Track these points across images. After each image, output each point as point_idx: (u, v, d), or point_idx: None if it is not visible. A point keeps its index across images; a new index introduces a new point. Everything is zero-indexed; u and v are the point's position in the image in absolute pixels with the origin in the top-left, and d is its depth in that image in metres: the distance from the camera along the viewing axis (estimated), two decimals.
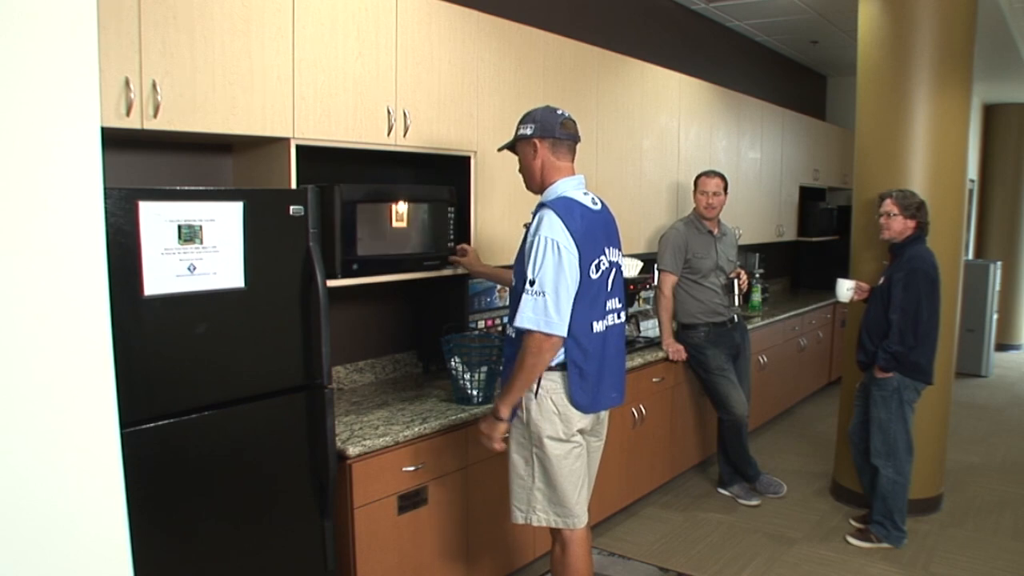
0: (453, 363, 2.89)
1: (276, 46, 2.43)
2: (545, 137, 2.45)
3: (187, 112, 2.22)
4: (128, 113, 2.08)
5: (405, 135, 2.87)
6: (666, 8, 5.31)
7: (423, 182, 3.30)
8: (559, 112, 2.48)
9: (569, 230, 2.32)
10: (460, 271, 3.10)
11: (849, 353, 4.20)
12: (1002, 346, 8.64)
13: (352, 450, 2.42)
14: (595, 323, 2.41)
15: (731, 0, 5.38)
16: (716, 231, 4.16)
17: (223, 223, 2.04)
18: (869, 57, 4.11)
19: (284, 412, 2.23)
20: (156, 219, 1.91)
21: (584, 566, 2.52)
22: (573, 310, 2.34)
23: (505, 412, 2.42)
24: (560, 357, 2.40)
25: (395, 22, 2.82)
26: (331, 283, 2.48)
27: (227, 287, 2.07)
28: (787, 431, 5.58)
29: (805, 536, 3.80)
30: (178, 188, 2.03)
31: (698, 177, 4.15)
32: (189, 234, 1.97)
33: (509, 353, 2.45)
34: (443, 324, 3.20)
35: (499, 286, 3.58)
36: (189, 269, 1.98)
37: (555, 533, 2.54)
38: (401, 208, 2.84)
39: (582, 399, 2.41)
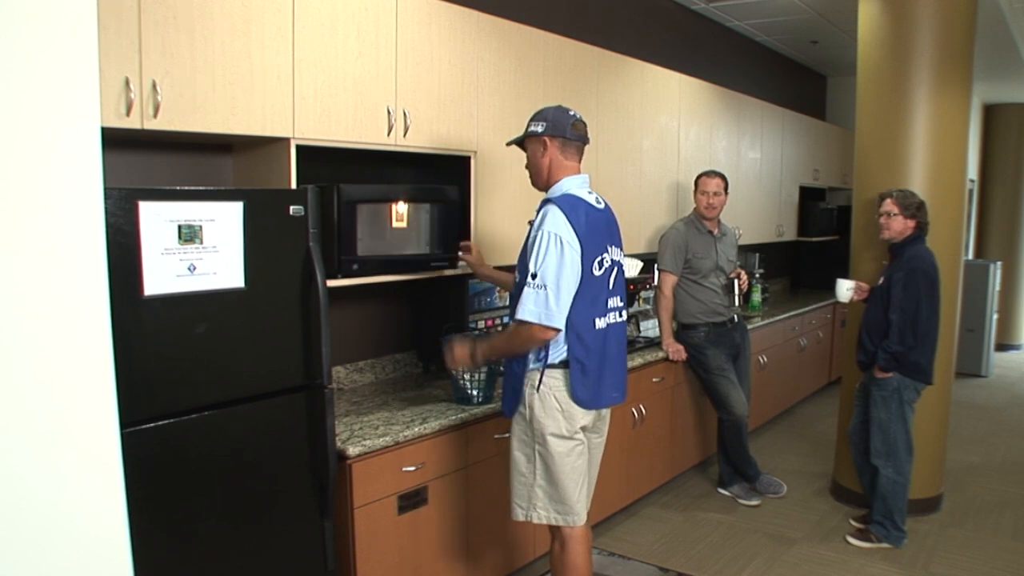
0: None
1: (276, 46, 2.43)
2: (556, 136, 2.48)
3: (187, 112, 2.22)
4: (128, 113, 2.08)
5: (405, 135, 2.87)
6: (666, 8, 5.31)
7: (423, 182, 3.30)
8: (571, 113, 2.52)
9: (573, 226, 2.35)
10: (462, 268, 3.10)
11: (849, 353, 4.20)
12: (1002, 346, 8.64)
13: (352, 450, 2.42)
14: (597, 319, 2.45)
15: (731, 0, 5.38)
16: (716, 231, 4.16)
17: (223, 223, 2.04)
18: (869, 57, 4.11)
19: (284, 412, 2.23)
20: (156, 219, 1.91)
21: (584, 563, 2.53)
22: (576, 306, 2.38)
23: (479, 360, 2.57)
24: (563, 355, 2.42)
25: (395, 22, 2.82)
26: (331, 283, 2.48)
27: (227, 287, 2.07)
28: (787, 431, 5.58)
29: (805, 536, 3.80)
30: (178, 188, 2.03)
31: (699, 177, 4.15)
32: (189, 234, 1.97)
33: None
34: (443, 324, 3.20)
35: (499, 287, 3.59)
36: (189, 269, 1.98)
37: (554, 531, 2.54)
38: (403, 208, 2.84)
39: (583, 395, 2.42)
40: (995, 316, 7.73)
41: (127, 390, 1.58)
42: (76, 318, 1.30)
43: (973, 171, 8.83)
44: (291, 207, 2.19)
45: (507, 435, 2.60)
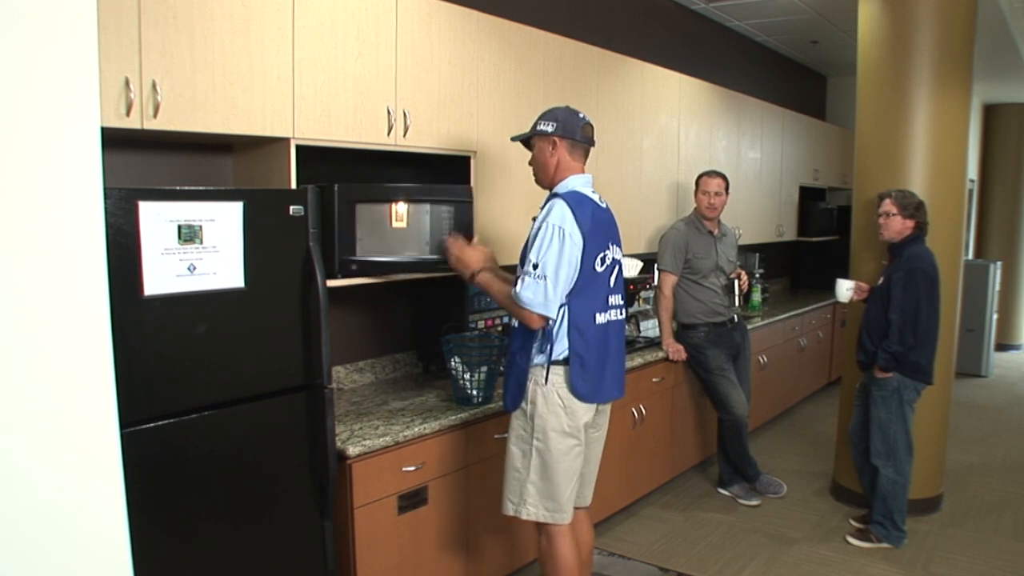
0: (453, 363, 2.89)
1: (276, 46, 2.43)
2: (566, 137, 2.52)
3: (187, 112, 2.22)
4: (128, 113, 2.08)
5: (405, 135, 2.87)
6: (666, 8, 5.31)
7: (423, 182, 3.29)
8: (580, 116, 2.57)
9: (578, 221, 2.40)
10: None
11: (849, 353, 4.20)
12: (1002, 346, 8.63)
13: (352, 450, 2.42)
14: (598, 315, 2.49)
15: (731, 0, 5.38)
16: (716, 231, 4.16)
17: (223, 223, 2.04)
18: (869, 57, 4.11)
19: (284, 412, 2.23)
20: (156, 219, 1.91)
21: (572, 556, 2.56)
22: (578, 301, 2.43)
23: (475, 280, 2.58)
24: (564, 352, 2.45)
25: (395, 22, 2.82)
26: (331, 283, 2.48)
27: (227, 287, 2.07)
28: (787, 431, 5.58)
29: (805, 536, 3.80)
30: (178, 188, 2.03)
31: (699, 177, 4.15)
32: (189, 234, 1.97)
33: (514, 345, 2.52)
34: (443, 324, 3.20)
35: None
36: (189, 269, 1.98)
37: (540, 526, 2.57)
38: (403, 208, 2.84)
39: (583, 388, 2.45)
40: (995, 316, 7.72)
41: (127, 390, 1.59)
42: (76, 318, 1.30)
43: (973, 171, 8.83)
44: (291, 207, 2.19)
45: (507, 434, 2.60)
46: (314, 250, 2.23)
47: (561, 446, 2.47)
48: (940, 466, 4.18)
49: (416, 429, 2.62)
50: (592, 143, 2.61)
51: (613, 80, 4.03)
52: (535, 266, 2.37)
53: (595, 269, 2.46)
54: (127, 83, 2.07)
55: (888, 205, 3.58)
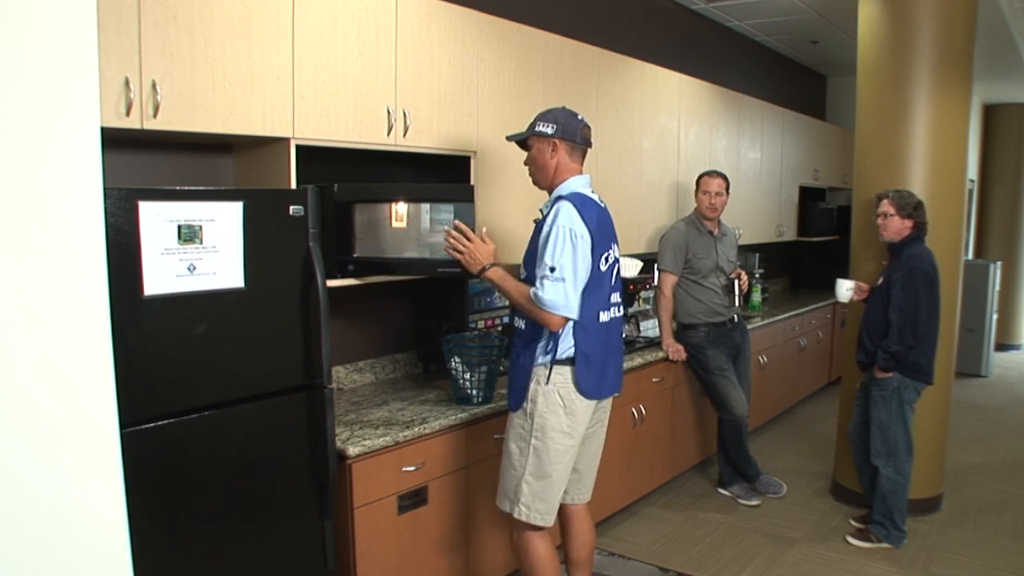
0: (453, 363, 2.89)
1: (276, 46, 2.43)
2: (566, 139, 2.53)
3: (187, 112, 2.22)
4: (128, 113, 2.08)
5: (405, 135, 2.87)
6: (666, 8, 5.31)
7: (423, 182, 3.30)
8: (579, 118, 2.58)
9: (585, 222, 2.43)
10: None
11: (849, 353, 4.20)
12: (1002, 346, 8.63)
13: (352, 450, 2.42)
14: (602, 313, 2.52)
15: (731, 0, 5.38)
16: (716, 231, 4.16)
17: (223, 223, 2.04)
18: (869, 57, 4.11)
19: (284, 412, 2.23)
20: (156, 219, 1.91)
21: (548, 548, 2.58)
22: (584, 299, 2.44)
23: (484, 275, 2.51)
24: (570, 351, 2.47)
25: (395, 22, 2.82)
26: (331, 283, 2.48)
27: (227, 287, 2.07)
28: (787, 431, 5.58)
29: (805, 536, 3.80)
30: (178, 188, 2.03)
31: (700, 177, 4.15)
32: (189, 234, 1.97)
33: (518, 345, 2.54)
34: (443, 324, 3.20)
35: None
36: (189, 269, 1.98)
37: (515, 521, 2.58)
38: (403, 208, 2.84)
39: (586, 385, 2.48)
40: (995, 316, 7.72)
41: (127, 390, 1.58)
42: (76, 318, 1.30)
43: (973, 171, 8.83)
44: (291, 207, 2.19)
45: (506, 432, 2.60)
46: (314, 250, 2.23)
47: (559, 446, 2.48)
48: (940, 466, 4.18)
49: (416, 429, 2.62)
50: (590, 144, 2.62)
51: (613, 80, 4.03)
52: (552, 269, 2.38)
53: (600, 268, 2.49)
54: (127, 83, 2.07)
55: (886, 205, 3.58)
